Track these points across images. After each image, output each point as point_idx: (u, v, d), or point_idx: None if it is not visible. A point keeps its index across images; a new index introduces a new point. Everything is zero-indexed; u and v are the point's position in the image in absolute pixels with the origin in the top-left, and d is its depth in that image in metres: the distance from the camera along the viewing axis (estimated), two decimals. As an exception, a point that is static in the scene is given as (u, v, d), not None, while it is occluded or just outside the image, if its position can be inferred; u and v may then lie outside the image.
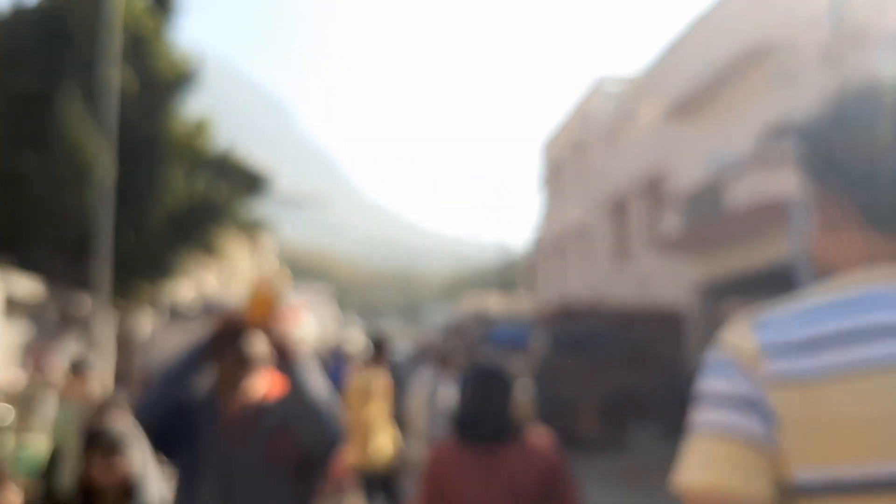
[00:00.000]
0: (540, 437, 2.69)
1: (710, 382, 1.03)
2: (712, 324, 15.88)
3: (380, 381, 6.24)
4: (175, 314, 19.99)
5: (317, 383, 2.39)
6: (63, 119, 12.62)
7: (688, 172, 17.20)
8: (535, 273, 35.86)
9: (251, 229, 17.22)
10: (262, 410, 2.42)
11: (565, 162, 29.00)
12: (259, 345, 2.46)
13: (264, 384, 2.49)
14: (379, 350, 6.52)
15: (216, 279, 28.42)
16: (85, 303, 12.25)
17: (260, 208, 18.47)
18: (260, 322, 2.43)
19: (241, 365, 2.44)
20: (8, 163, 13.34)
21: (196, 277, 23.84)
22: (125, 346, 15.86)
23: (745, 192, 13.35)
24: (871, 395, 0.93)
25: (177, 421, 2.36)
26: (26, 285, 11.68)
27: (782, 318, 1.01)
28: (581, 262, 26.64)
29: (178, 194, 15.11)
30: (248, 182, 16.74)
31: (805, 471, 0.95)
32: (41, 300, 12.15)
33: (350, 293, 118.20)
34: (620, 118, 23.15)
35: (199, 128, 16.25)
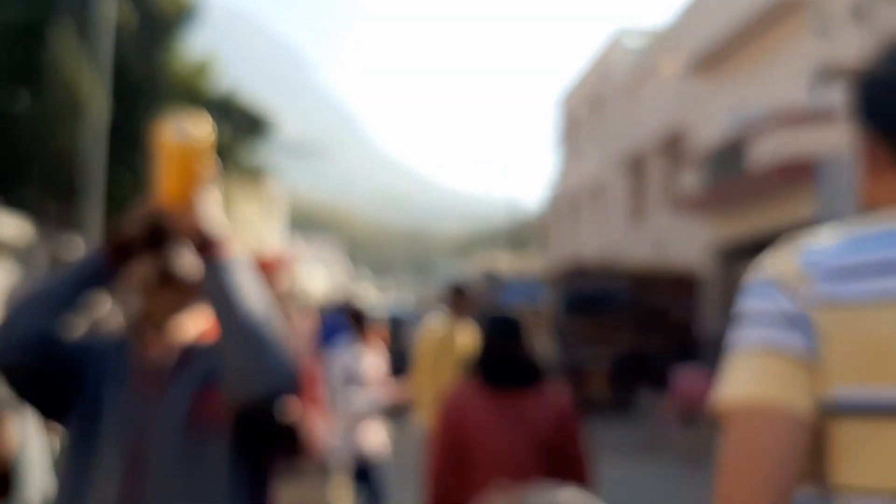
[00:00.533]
0: (558, 390, 2.70)
1: (753, 302, 1.03)
2: (729, 287, 15.43)
3: (464, 337, 4.91)
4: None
5: (254, 296, 1.59)
6: (55, 54, 11.96)
7: (709, 129, 16.53)
8: (548, 232, 35.30)
9: (255, 175, 16.44)
10: (191, 355, 1.68)
11: (582, 118, 28.16)
12: (190, 257, 1.66)
13: (198, 319, 1.74)
14: (459, 298, 5.21)
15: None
16: (77, 246, 11.81)
17: (267, 155, 17.75)
18: (180, 205, 1.59)
19: (162, 288, 1.67)
20: (-3, 98, 12.84)
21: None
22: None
23: (768, 150, 12.67)
24: None
25: (62, 371, 1.63)
26: (15, 226, 11.24)
27: (826, 246, 1.03)
28: (595, 221, 26.01)
29: None
30: (251, 125, 16.02)
31: (846, 390, 0.96)
32: (30, 242, 11.70)
33: (361, 248, 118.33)
34: (640, 73, 22.31)
35: (202, 69, 15.54)
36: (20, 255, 11.54)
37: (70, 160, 12.15)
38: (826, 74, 12.19)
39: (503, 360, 2.61)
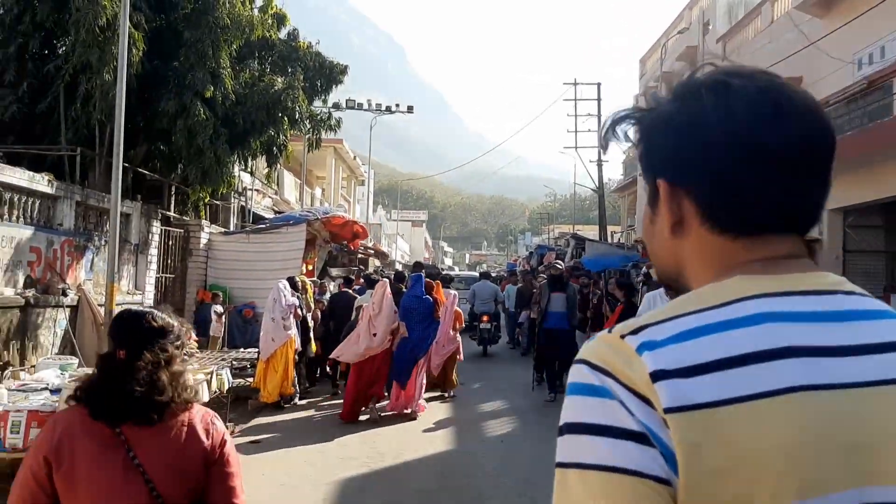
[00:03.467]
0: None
1: (594, 411, 0.85)
2: (843, 253, 13.56)
3: None
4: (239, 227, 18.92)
5: None
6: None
7: (827, 77, 14.29)
8: (633, 202, 33.15)
9: (333, 127, 14.90)
10: None
11: (675, 74, 25.80)
12: None
13: None
14: None
15: (296, 191, 27.07)
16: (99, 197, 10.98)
17: (343, 116, 16.26)
18: None
19: None
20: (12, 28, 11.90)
21: (266, 189, 22.52)
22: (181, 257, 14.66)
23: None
24: (777, 420, 0.82)
25: None
26: (37, 179, 10.39)
27: (669, 338, 0.87)
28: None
29: (246, 82, 13.22)
30: (322, 73, 14.57)
31: None
32: (55, 193, 10.89)
33: (446, 219, 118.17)
34: (744, 15, 19.91)
35: (264, 9, 14.19)
36: (48, 203, 10.66)
37: (93, 105, 11.16)
38: None
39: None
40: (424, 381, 10.88)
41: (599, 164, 28.62)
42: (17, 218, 9.91)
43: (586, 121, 29.43)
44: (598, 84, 29.20)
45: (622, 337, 0.88)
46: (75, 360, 7.86)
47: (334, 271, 19.28)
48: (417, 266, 17.30)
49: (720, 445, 0.81)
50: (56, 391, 6.66)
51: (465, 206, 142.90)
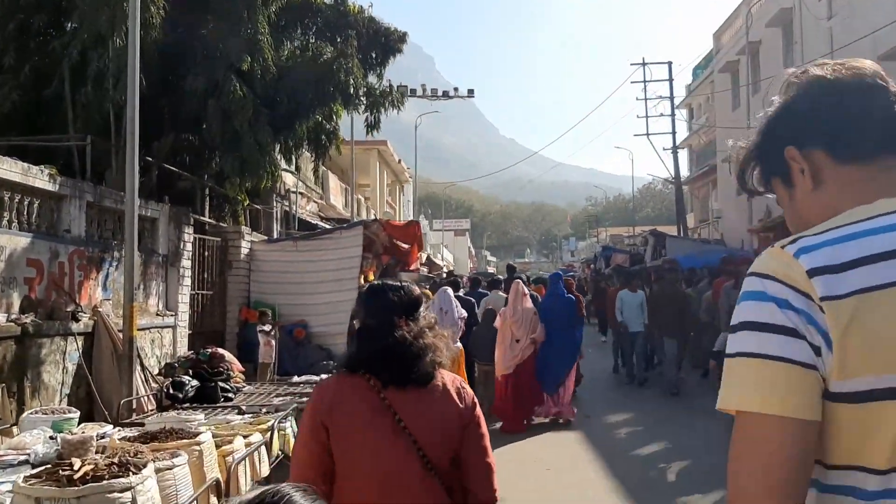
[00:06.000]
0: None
1: (754, 305, 1.12)
2: None
3: None
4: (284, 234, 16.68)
5: None
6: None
7: None
8: (706, 195, 30.38)
9: (383, 104, 12.35)
10: None
11: (757, 45, 22.99)
12: None
13: None
14: None
15: (342, 197, 24.82)
16: (111, 194, 8.78)
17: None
18: None
19: None
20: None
21: (311, 193, 20.25)
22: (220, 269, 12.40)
23: None
24: None
25: None
26: (41, 174, 8.17)
27: (821, 243, 1.12)
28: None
29: (288, 55, 10.83)
30: (377, 45, 12.07)
31: (852, 382, 1.06)
32: (62, 191, 8.68)
33: (485, 228, 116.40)
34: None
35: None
36: (51, 205, 8.44)
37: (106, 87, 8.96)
38: None
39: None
40: (573, 385, 10.33)
41: (674, 150, 25.99)
42: (10, 223, 7.68)
43: (657, 105, 26.90)
44: (669, 63, 26.61)
45: (782, 248, 1.15)
46: (75, 414, 5.53)
47: (405, 275, 16.99)
48: (511, 269, 15.68)
49: (866, 325, 1.06)
50: (41, 465, 4.31)
51: (505, 214, 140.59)
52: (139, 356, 8.64)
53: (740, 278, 10.52)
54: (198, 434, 3.97)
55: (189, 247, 11.39)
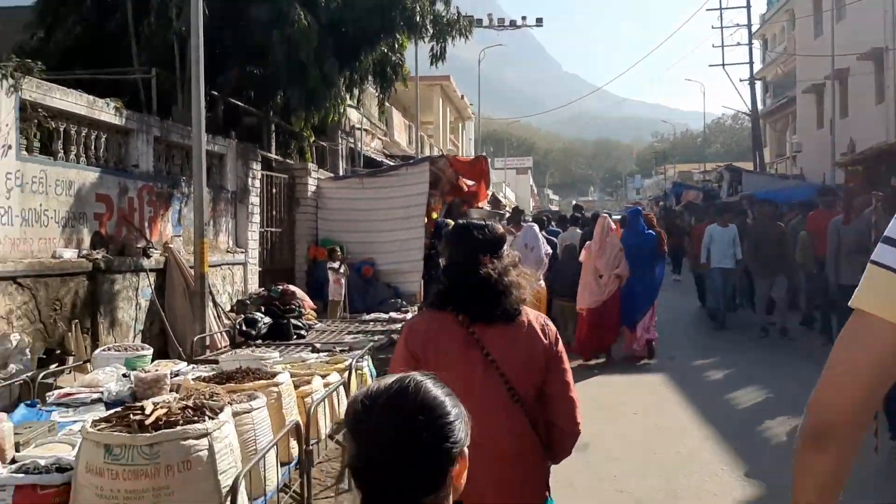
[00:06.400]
0: None
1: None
2: None
3: None
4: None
5: None
6: None
7: None
8: (785, 127, 28.83)
9: (450, 32, 11.68)
10: None
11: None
12: None
13: None
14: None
15: (404, 132, 24.37)
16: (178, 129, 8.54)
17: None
18: None
19: None
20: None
21: (375, 130, 19.85)
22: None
23: None
24: None
25: None
26: (109, 107, 7.98)
27: None
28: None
29: None
30: None
31: None
32: (129, 125, 8.52)
33: (548, 166, 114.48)
34: None
35: None
36: (118, 139, 8.28)
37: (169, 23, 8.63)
38: None
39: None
40: (653, 322, 10.04)
41: (752, 81, 24.53)
42: (78, 157, 7.53)
43: (733, 33, 25.39)
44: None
45: None
46: (148, 351, 5.38)
47: (475, 212, 16.65)
48: (577, 208, 15.30)
49: None
50: (117, 404, 4.14)
51: (568, 151, 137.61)
52: (211, 293, 8.54)
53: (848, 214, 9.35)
54: (275, 374, 3.72)
55: (257, 183, 11.21)
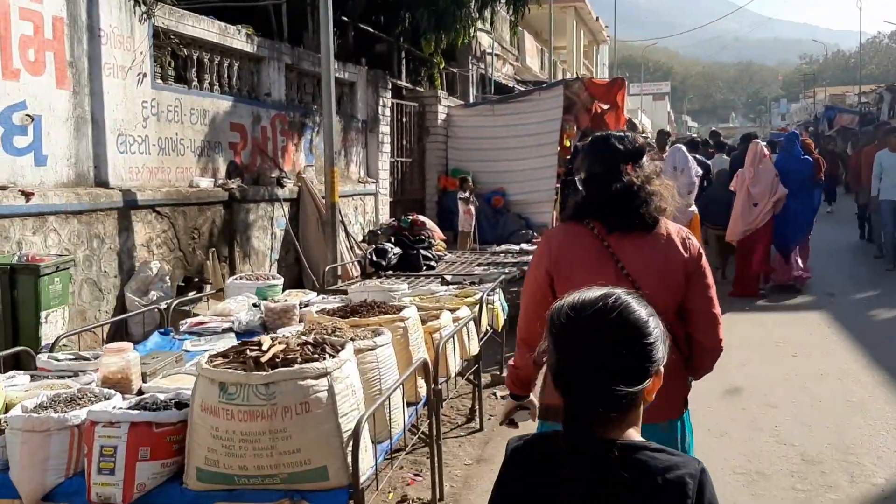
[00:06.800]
0: None
1: None
2: None
3: None
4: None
5: None
6: None
7: None
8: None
9: None
10: None
11: None
12: None
13: None
14: None
15: (537, 57, 23.51)
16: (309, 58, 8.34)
17: None
18: None
19: None
20: None
21: (507, 55, 19.17)
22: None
23: None
24: None
25: None
26: (241, 36, 7.91)
27: None
28: None
29: None
30: None
31: None
32: (260, 53, 8.45)
33: (686, 91, 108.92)
34: None
35: None
36: (250, 67, 8.24)
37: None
38: None
39: None
40: (808, 251, 9.74)
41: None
42: (211, 86, 7.54)
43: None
44: None
45: None
46: (279, 281, 5.31)
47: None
48: (714, 134, 14.35)
49: None
50: (247, 334, 4.08)
51: (707, 75, 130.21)
52: (343, 223, 8.51)
53: None
54: (402, 309, 3.48)
55: (387, 112, 11.02)
